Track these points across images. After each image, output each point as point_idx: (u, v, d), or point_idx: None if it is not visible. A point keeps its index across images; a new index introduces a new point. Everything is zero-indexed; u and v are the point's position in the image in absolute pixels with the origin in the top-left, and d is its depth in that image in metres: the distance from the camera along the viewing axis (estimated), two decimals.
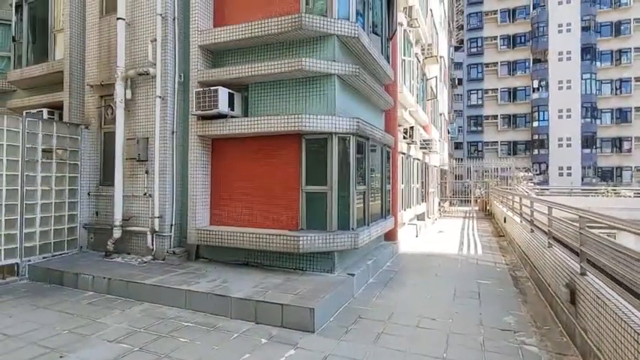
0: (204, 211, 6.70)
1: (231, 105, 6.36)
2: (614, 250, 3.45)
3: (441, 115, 21.45)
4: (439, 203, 19.87)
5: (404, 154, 10.12)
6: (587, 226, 4.07)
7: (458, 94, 44.36)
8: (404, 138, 10.43)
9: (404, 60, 10.49)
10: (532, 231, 7.43)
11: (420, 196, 13.05)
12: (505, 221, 11.93)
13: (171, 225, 6.87)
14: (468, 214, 19.79)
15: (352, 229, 5.97)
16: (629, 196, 21.06)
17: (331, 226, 5.83)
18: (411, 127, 10.47)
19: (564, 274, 4.49)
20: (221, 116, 6.38)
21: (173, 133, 6.95)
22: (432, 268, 7.61)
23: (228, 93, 6.34)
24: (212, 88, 6.21)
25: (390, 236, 8.75)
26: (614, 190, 21.84)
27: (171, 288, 5.15)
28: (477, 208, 21.30)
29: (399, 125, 10.42)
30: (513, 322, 4.70)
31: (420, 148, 12.89)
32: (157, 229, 6.77)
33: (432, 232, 12.87)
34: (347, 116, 6.04)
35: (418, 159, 12.48)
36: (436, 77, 17.14)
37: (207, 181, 6.80)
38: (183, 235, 6.90)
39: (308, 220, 6.04)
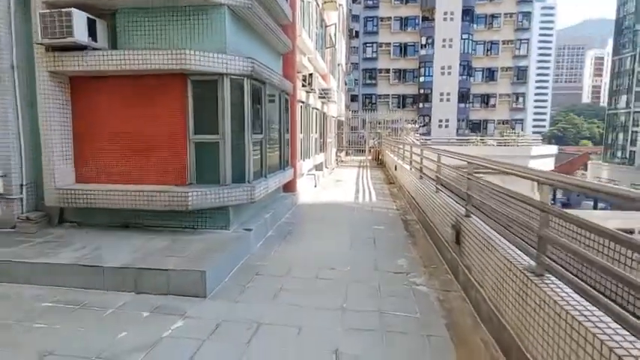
0: (66, 166, 5.50)
1: (92, 34, 5.10)
2: (495, 192, 3.67)
3: (339, 65, 21.44)
4: (336, 153, 20.41)
5: (303, 102, 9.77)
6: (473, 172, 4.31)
7: (354, 47, 45.00)
8: (303, 86, 10.02)
9: (303, 1, 9.81)
10: (421, 177, 7.92)
11: (319, 147, 13.06)
12: (396, 169, 12.71)
13: (22, 185, 5.53)
14: (362, 164, 20.80)
15: (248, 181, 5.52)
16: (493, 145, 24.47)
17: (225, 179, 5.28)
18: (310, 75, 10.09)
19: (451, 217, 4.79)
20: (79, 48, 5.10)
21: (13, 67, 5.40)
22: (330, 218, 7.69)
23: (88, 18, 5.04)
24: (64, 10, 4.85)
25: (289, 187, 8.55)
26: (482, 140, 25.14)
27: (24, 262, 4.16)
28: (370, 157, 22.53)
29: (298, 72, 9.93)
30: (405, 264, 4.94)
31: (319, 97, 12.67)
32: (0, 190, 5.40)
33: (330, 182, 13.13)
34: (240, 56, 5.34)
35: (317, 108, 12.29)
36: (335, 25, 16.78)
37: (67, 130, 5.54)
38: (41, 197, 5.65)
39: (198, 174, 5.39)
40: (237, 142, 5.44)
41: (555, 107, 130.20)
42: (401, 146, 12.54)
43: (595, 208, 42.39)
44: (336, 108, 18.80)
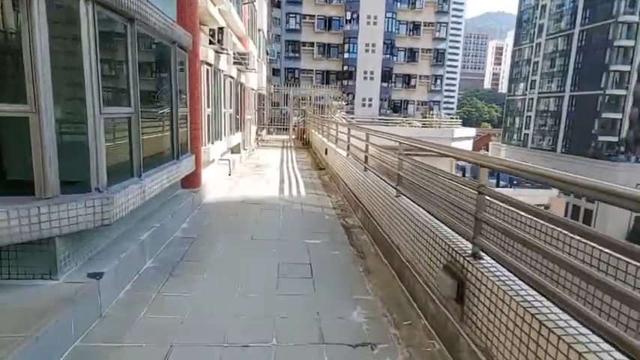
0: None
1: None
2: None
3: (259, 31, 18.76)
4: (257, 132, 18.03)
5: (210, 65, 7.30)
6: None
7: (277, 18, 41.80)
8: (210, 43, 7.52)
9: None
10: (366, 170, 6.17)
11: (235, 125, 10.66)
12: (326, 153, 10.92)
13: None
14: (286, 144, 18.74)
15: (98, 188, 3.16)
16: (418, 126, 24.11)
17: (45, 186, 2.85)
18: (221, 29, 7.59)
19: (433, 242, 3.05)
20: None
21: None
22: (247, 225, 5.58)
23: None
24: None
25: (190, 182, 6.19)
26: (407, 121, 24.66)
27: None
28: (294, 136, 20.53)
29: (203, 24, 7.39)
30: (364, 320, 3.11)
31: (235, 63, 10.18)
32: None
33: (249, 168, 10.89)
34: None
35: (231, 76, 9.82)
36: None
37: None
38: None
39: None
40: (71, 119, 3.04)
41: (462, 91, 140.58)
42: (333, 127, 10.72)
43: (497, 185, 46.33)
44: (257, 79, 16.30)
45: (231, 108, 10.02)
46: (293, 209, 6.62)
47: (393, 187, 4.56)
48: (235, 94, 10.61)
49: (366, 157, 6.24)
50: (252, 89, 14.96)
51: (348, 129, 8.06)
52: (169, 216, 4.78)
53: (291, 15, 42.65)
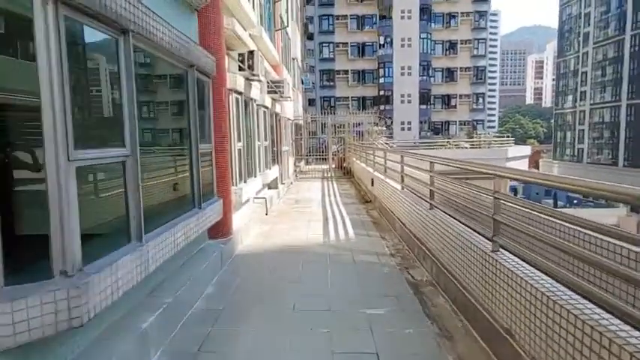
0: None
1: None
2: None
3: (294, 60, 18.29)
4: (294, 163, 17.18)
5: (240, 93, 6.43)
6: None
7: (310, 50, 42.13)
8: (240, 70, 6.70)
9: None
10: (432, 208, 4.87)
11: (271, 158, 9.75)
12: (372, 184, 9.69)
13: None
14: (326, 174, 17.71)
15: (64, 272, 2.12)
16: (466, 147, 22.33)
17: None
18: (251, 53, 6.76)
19: None
20: None
21: None
22: (286, 288, 4.39)
23: None
24: None
25: (219, 231, 5.16)
26: (454, 142, 22.94)
27: None
28: (334, 165, 19.49)
29: (230, 50, 6.60)
30: None
31: (269, 92, 9.39)
32: None
33: (288, 205, 9.86)
34: None
35: (265, 106, 8.99)
36: (286, 1, 13.59)
37: None
38: None
39: None
40: (25, 168, 2.08)
41: (502, 109, 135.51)
42: (379, 154, 9.53)
43: (555, 205, 42.50)
44: (292, 108, 15.59)
45: (266, 140, 9.15)
46: (342, 260, 5.39)
47: (485, 237, 3.25)
48: (270, 125, 9.78)
49: (432, 193, 4.94)
50: (289, 119, 14.22)
51: (402, 157, 6.83)
52: (187, 282, 3.71)
53: (324, 44, 42.84)
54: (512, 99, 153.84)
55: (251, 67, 6.71)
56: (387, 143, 18.11)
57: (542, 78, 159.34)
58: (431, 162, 4.98)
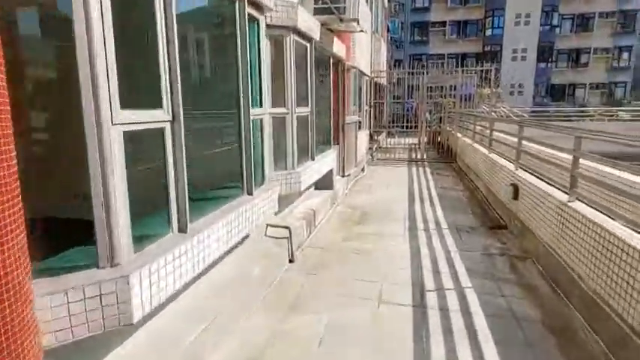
0: None
1: None
2: None
3: None
4: (371, 138, 12.53)
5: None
6: None
7: (401, 4, 35.40)
8: None
9: None
10: None
11: (318, 137, 5.29)
12: (516, 196, 4.78)
13: None
14: (414, 154, 12.81)
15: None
16: (625, 119, 15.30)
17: None
18: None
19: None
20: None
21: None
22: None
23: None
24: None
25: None
26: (608, 112, 15.90)
27: None
28: (425, 139, 14.32)
29: None
30: None
31: (317, 9, 4.85)
32: None
33: (343, 225, 5.43)
34: None
35: (302, 33, 4.46)
36: None
37: None
38: None
39: None
40: None
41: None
42: (533, 146, 4.55)
43: None
44: (368, 55, 10.78)
45: (308, 105, 4.73)
46: None
47: None
48: (309, 75, 5.28)
49: None
50: (362, 73, 9.48)
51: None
52: None
53: None
54: None
55: None
56: (507, 112, 12.45)
57: None
58: None
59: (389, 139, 15.05)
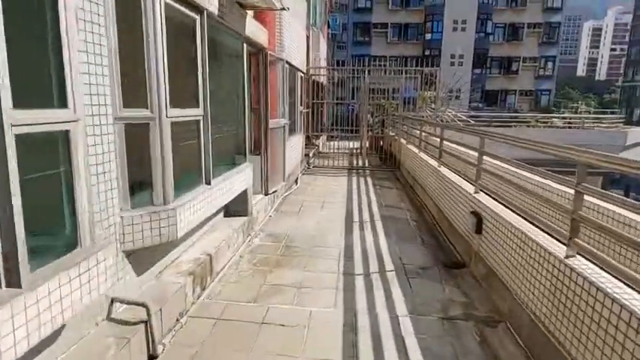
0: None
1: None
2: None
3: None
4: (309, 141, 11.26)
5: None
6: None
7: (343, 4, 34.65)
8: None
9: None
10: None
11: (209, 154, 3.81)
12: (480, 229, 3.71)
13: None
14: (356, 161, 11.77)
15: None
16: (557, 127, 15.56)
17: None
18: None
19: None
20: None
21: None
22: None
23: None
24: None
25: None
26: (543, 119, 16.05)
27: None
28: (367, 144, 13.36)
29: None
30: None
31: None
32: None
33: (254, 279, 4.06)
34: None
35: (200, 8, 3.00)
36: None
37: None
38: None
39: None
40: None
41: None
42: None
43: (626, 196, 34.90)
44: (302, 49, 9.49)
45: (198, 105, 3.26)
46: None
47: None
48: (200, 62, 3.81)
49: None
50: (295, 68, 8.13)
51: None
52: None
53: None
54: (562, 69, 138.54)
55: None
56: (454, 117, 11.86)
57: (598, 47, 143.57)
58: None
59: (330, 143, 13.90)
